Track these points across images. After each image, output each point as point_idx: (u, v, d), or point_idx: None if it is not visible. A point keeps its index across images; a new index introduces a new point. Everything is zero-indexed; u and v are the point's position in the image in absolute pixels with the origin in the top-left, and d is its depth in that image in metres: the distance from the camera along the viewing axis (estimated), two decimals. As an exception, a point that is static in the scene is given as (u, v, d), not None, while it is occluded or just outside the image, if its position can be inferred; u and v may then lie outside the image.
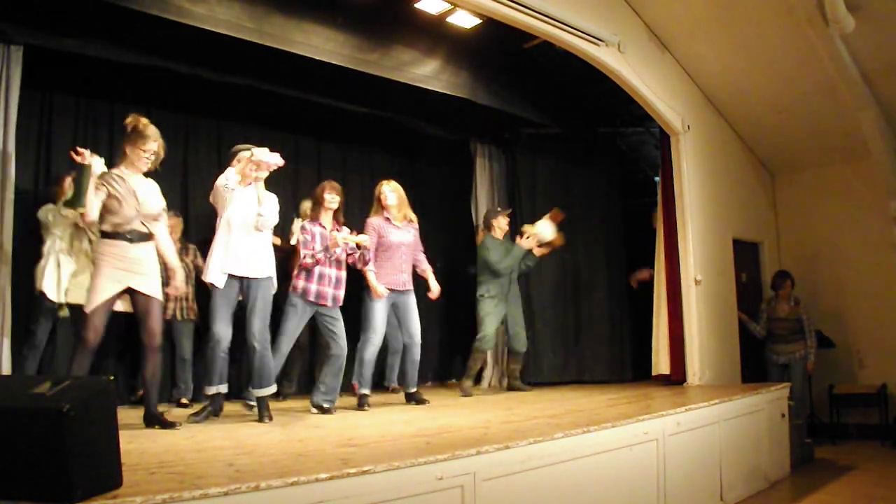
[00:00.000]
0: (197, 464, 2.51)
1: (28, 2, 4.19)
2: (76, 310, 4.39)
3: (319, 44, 5.03)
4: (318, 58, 5.00)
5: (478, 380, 6.74)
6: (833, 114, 6.34)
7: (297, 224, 5.61)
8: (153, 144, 3.69)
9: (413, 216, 5.26)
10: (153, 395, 3.76)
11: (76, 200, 3.82)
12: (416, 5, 5.14)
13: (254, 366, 4.11)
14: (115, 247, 3.60)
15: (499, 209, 6.28)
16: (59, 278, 4.50)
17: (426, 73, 5.68)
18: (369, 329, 4.93)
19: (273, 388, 4.16)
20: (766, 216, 7.63)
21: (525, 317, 6.27)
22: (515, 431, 3.28)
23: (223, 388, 4.14)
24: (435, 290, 5.35)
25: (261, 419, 4.03)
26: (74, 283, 4.52)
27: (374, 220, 5.08)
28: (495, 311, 5.83)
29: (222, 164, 5.90)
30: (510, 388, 6.11)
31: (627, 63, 5.78)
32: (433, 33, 5.57)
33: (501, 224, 6.01)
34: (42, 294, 4.47)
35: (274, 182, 4.26)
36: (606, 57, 5.61)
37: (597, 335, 6.96)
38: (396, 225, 5.10)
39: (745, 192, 7.26)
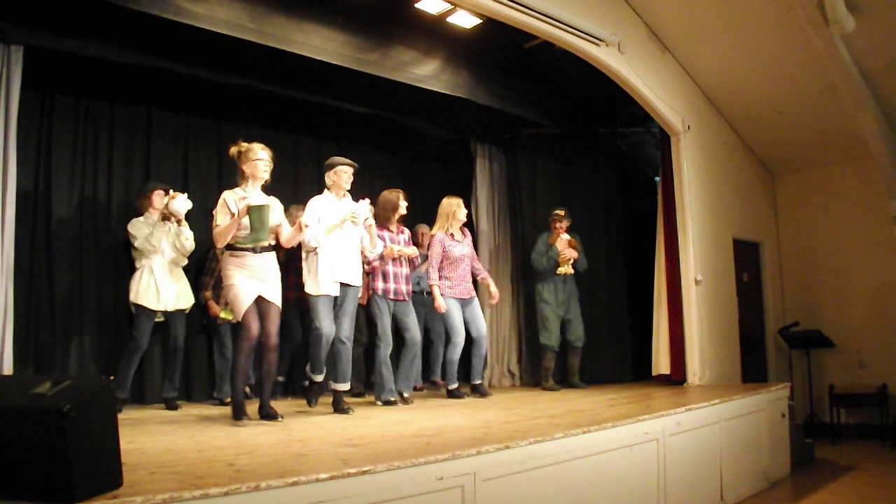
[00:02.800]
0: (197, 464, 2.51)
1: (28, 2, 4.19)
2: (170, 316, 4.89)
3: (319, 44, 5.02)
4: (318, 58, 5.00)
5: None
6: (833, 114, 6.34)
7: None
8: (263, 153, 3.98)
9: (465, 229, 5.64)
10: (267, 389, 4.00)
11: (258, 236, 3.90)
12: (416, 5, 5.13)
13: (338, 362, 4.46)
14: (241, 257, 3.91)
15: (567, 218, 6.25)
16: (156, 288, 4.75)
17: (426, 73, 5.67)
18: (453, 332, 5.32)
19: (348, 385, 4.53)
20: (766, 216, 7.63)
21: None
22: (515, 431, 3.28)
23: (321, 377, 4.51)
24: (496, 295, 5.75)
25: (339, 411, 4.33)
26: (169, 292, 4.81)
27: (440, 236, 5.42)
28: (554, 315, 6.12)
29: (222, 163, 5.94)
30: (570, 386, 6.19)
31: (627, 63, 5.78)
32: (433, 33, 5.56)
33: (554, 228, 6.22)
34: (138, 304, 4.71)
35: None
36: (606, 57, 5.61)
37: (597, 335, 6.96)
38: (457, 239, 5.47)
39: (745, 192, 7.26)
